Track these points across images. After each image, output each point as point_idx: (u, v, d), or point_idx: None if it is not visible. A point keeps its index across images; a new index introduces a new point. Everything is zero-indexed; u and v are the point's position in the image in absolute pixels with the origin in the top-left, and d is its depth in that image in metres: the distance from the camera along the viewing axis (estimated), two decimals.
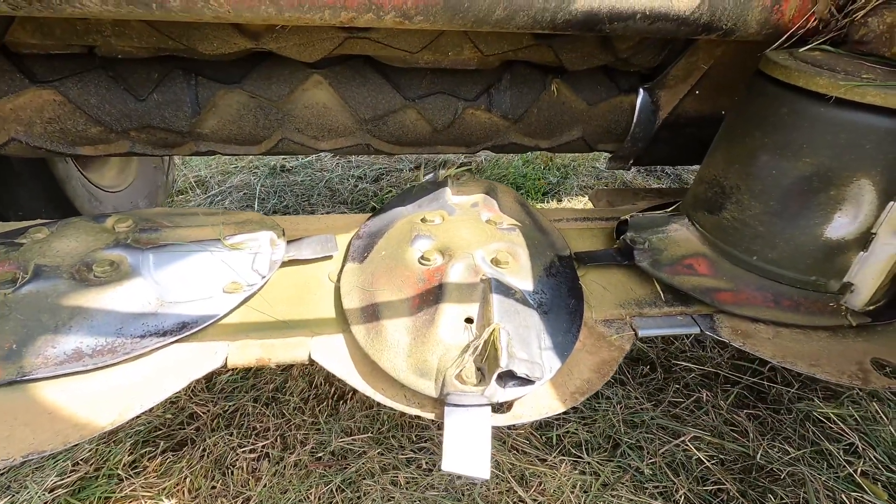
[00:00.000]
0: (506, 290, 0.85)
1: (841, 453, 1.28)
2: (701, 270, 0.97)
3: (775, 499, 1.19)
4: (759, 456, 1.27)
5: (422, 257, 0.92)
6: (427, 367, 0.75)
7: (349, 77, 1.20)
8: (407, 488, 1.20)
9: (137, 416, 0.85)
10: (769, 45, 0.96)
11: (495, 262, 0.92)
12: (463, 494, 1.19)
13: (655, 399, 1.45)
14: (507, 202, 1.17)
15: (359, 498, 1.17)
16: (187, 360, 0.77)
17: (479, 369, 0.74)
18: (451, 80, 1.25)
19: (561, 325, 0.86)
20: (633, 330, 0.90)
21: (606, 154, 1.52)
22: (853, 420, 1.36)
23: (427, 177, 1.27)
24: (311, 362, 0.80)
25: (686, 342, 1.67)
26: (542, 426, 1.37)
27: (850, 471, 1.23)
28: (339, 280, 0.95)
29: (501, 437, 1.33)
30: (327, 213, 2.40)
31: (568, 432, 1.35)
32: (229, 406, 1.40)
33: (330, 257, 1.02)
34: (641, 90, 1.30)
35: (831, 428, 1.35)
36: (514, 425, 1.35)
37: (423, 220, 1.02)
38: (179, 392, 1.39)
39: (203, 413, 1.37)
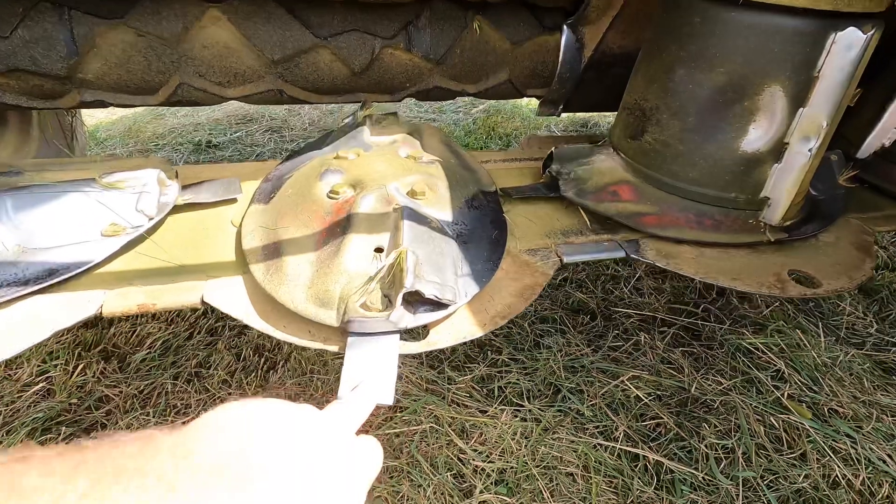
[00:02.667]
0: (420, 218, 0.79)
1: (769, 380, 1.31)
2: (625, 197, 0.95)
3: (710, 427, 1.21)
4: (693, 389, 1.29)
5: (331, 191, 0.85)
6: (329, 296, 0.68)
7: (251, 12, 1.10)
8: None
9: None
10: None
11: (412, 193, 0.86)
12: (401, 451, 1.14)
13: (595, 345, 1.45)
14: (431, 142, 1.11)
15: None
16: (53, 310, 0.67)
17: (386, 296, 0.68)
18: (366, 17, 1.17)
19: (481, 254, 0.81)
20: (559, 256, 0.87)
21: (547, 123, 1.48)
22: (779, 349, 1.41)
23: (346, 120, 1.19)
24: (204, 304, 0.72)
25: (625, 290, 1.68)
26: (485, 379, 1.34)
27: (778, 395, 1.27)
28: (241, 223, 0.86)
29: (441, 392, 1.29)
30: None
31: (510, 383, 1.32)
32: (146, 386, 1.28)
33: (234, 201, 0.93)
34: (565, 27, 1.26)
35: (760, 357, 1.39)
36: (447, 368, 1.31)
37: (336, 157, 0.94)
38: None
39: (115, 395, 1.25)
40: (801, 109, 0.80)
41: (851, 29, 0.72)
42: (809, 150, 0.82)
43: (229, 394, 1.27)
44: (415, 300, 0.69)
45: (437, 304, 0.69)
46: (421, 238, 0.75)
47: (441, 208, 0.86)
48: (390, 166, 0.91)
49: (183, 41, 1.08)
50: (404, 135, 1.08)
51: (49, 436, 1.14)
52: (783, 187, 0.87)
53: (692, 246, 0.91)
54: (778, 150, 0.85)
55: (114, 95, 1.14)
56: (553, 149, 1.05)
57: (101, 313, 0.68)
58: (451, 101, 3.44)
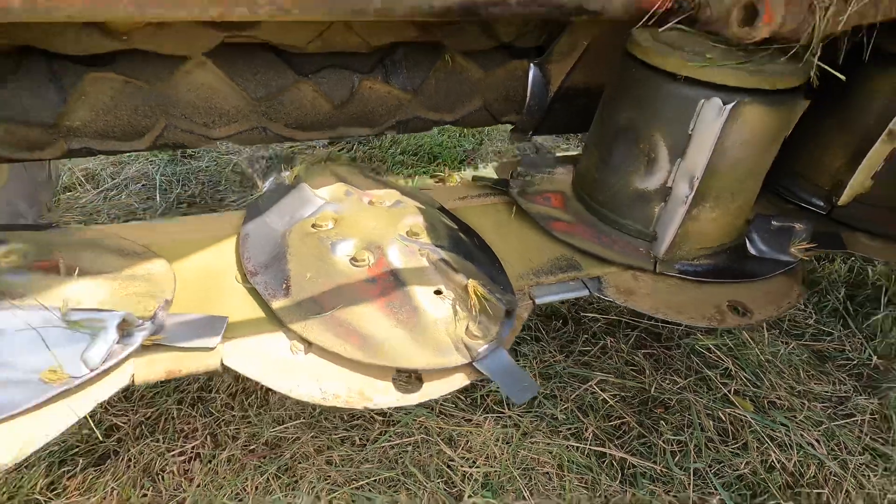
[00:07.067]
0: (443, 254, 0.96)
1: (718, 377, 1.49)
2: (554, 203, 1.17)
3: (667, 424, 1.38)
4: (653, 389, 1.45)
5: (353, 259, 0.95)
6: (445, 343, 0.84)
7: (236, 55, 1.14)
8: (342, 465, 1.25)
9: None
10: (635, 23, 1.04)
11: (412, 234, 1.01)
12: (396, 462, 1.26)
13: (567, 350, 1.59)
14: (363, 182, 1.23)
15: (296, 482, 1.21)
16: None
17: (480, 323, 0.87)
18: (344, 56, 1.23)
19: (489, 264, 1.02)
20: (532, 299, 0.99)
21: None
22: (727, 348, 1.58)
23: (266, 185, 1.28)
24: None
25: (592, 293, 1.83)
26: (468, 389, 1.47)
27: (725, 391, 1.45)
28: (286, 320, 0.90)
29: (430, 404, 1.41)
30: (239, 200, 2.30)
31: (490, 392, 1.46)
32: (151, 413, 1.36)
33: (210, 349, 0.85)
34: (532, 65, 1.35)
35: (710, 357, 1.56)
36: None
37: (313, 225, 1.03)
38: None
39: (123, 424, 1.33)
40: (678, 160, 0.96)
41: (715, 99, 0.89)
42: (686, 197, 0.97)
43: (233, 416, 1.36)
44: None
45: (508, 314, 0.89)
46: (463, 269, 0.93)
47: (441, 241, 1.01)
48: (376, 219, 1.01)
49: (168, 85, 1.12)
50: (343, 185, 1.18)
51: (66, 468, 1.22)
52: (667, 225, 1.04)
53: (647, 283, 1.04)
54: (664, 192, 1.01)
55: (101, 142, 1.17)
56: (521, 157, 1.20)
57: None
58: None
